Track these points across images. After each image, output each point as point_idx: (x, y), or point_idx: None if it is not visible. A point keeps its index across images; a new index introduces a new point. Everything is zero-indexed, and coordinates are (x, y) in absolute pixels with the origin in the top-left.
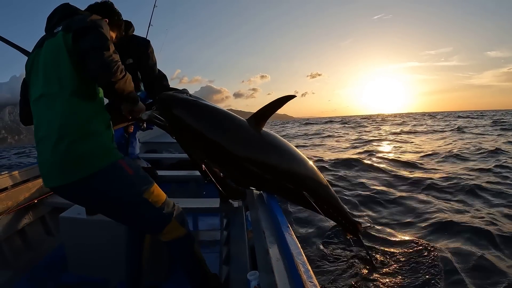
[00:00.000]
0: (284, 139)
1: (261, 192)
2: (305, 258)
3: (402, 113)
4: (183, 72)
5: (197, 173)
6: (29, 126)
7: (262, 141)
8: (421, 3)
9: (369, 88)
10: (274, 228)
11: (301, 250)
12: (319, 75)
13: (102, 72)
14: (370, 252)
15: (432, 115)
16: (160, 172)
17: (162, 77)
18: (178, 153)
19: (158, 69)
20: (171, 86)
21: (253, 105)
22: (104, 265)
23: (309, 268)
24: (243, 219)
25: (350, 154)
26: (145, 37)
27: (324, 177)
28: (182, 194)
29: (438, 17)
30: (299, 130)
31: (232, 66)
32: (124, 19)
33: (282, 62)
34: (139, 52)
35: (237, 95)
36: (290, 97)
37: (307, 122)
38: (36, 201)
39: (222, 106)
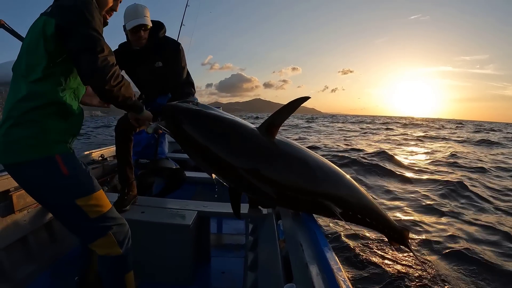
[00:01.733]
0: (301, 146)
1: None
2: (346, 275)
3: (432, 118)
4: (215, 58)
5: None
6: None
7: (275, 153)
8: (459, 7)
9: (399, 90)
10: (311, 242)
11: (341, 266)
12: (350, 71)
13: (95, 79)
14: (421, 261)
15: (463, 123)
16: (187, 173)
17: (188, 84)
18: None
19: (188, 74)
20: (202, 71)
21: (282, 97)
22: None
23: (350, 285)
24: (274, 227)
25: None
26: (177, 35)
27: (355, 182)
28: (207, 196)
29: (476, 22)
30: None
31: (265, 56)
32: (155, 19)
33: (314, 55)
34: (168, 55)
35: (267, 85)
36: (304, 100)
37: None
38: None
39: (251, 95)
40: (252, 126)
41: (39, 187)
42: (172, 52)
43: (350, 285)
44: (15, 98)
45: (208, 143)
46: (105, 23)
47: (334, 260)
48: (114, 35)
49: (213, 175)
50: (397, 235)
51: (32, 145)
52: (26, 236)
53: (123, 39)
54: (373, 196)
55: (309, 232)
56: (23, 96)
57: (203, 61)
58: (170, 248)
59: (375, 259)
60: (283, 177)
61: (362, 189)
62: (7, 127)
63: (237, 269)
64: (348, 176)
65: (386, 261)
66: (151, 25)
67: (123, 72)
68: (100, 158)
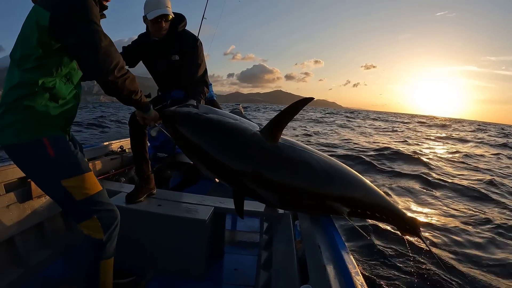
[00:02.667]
0: (305, 147)
1: None
2: (363, 279)
3: (454, 118)
4: (237, 48)
5: None
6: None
7: (277, 157)
8: (487, 6)
9: (422, 87)
10: (329, 244)
11: (359, 270)
12: (373, 67)
13: (98, 71)
14: (434, 253)
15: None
16: None
17: (201, 82)
18: None
19: (204, 72)
20: (224, 60)
21: (303, 89)
22: (142, 256)
23: None
24: (290, 228)
25: None
26: (198, 29)
27: (362, 177)
28: (222, 193)
29: (504, 22)
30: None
31: (287, 47)
32: (176, 12)
33: (337, 49)
34: (186, 49)
35: (288, 77)
36: (307, 101)
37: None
38: None
39: (273, 87)
40: (255, 129)
41: (28, 168)
42: (189, 47)
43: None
44: (9, 85)
45: (209, 148)
46: (104, 7)
47: (352, 264)
48: (133, 26)
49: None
50: (408, 225)
51: (22, 128)
52: (42, 222)
53: (138, 29)
54: (386, 192)
55: (327, 234)
56: (16, 83)
57: (226, 51)
58: (185, 242)
59: (390, 259)
60: (286, 183)
61: (370, 184)
62: (1, 113)
63: (250, 266)
64: (354, 173)
65: (401, 263)
66: (173, 16)
67: (135, 70)
68: (119, 150)
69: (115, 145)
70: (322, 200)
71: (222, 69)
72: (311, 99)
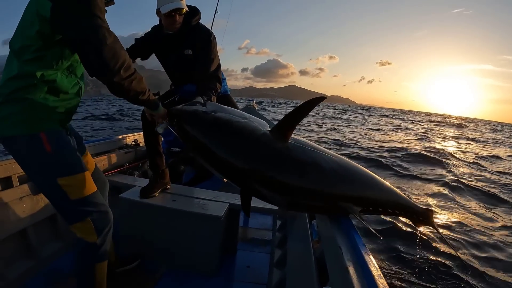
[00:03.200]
0: (316, 147)
1: None
2: (385, 283)
3: (469, 118)
4: (252, 43)
5: None
6: (95, 79)
7: (287, 158)
8: (505, 3)
9: (437, 85)
10: (350, 245)
11: (381, 273)
12: (389, 63)
13: (102, 71)
14: (450, 243)
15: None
16: None
17: (214, 78)
18: None
19: (217, 68)
20: (238, 54)
21: (317, 85)
22: (155, 250)
23: None
24: (307, 227)
25: None
26: (211, 22)
27: (373, 174)
28: (234, 189)
29: None
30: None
31: (302, 42)
32: (190, 4)
33: (352, 45)
34: (199, 44)
35: (302, 72)
36: (319, 100)
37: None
38: None
39: (287, 81)
40: (265, 128)
41: (23, 162)
42: (203, 41)
43: None
44: (7, 76)
45: (216, 149)
46: None
47: (375, 266)
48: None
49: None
50: (421, 216)
51: (18, 121)
52: (55, 214)
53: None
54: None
55: (347, 235)
56: (14, 75)
57: (240, 45)
58: (199, 238)
59: (405, 259)
60: (295, 184)
61: (381, 181)
62: None
63: (262, 264)
64: (365, 171)
65: (416, 262)
66: (187, 10)
67: (148, 62)
68: (133, 143)
69: (129, 138)
70: (332, 201)
71: (236, 64)
72: (323, 98)
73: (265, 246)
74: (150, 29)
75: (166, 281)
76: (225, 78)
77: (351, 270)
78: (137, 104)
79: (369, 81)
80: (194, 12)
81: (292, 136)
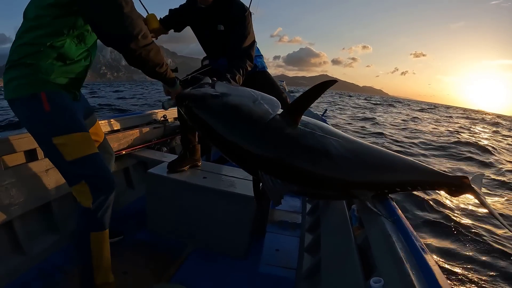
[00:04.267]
0: (329, 129)
1: None
2: (440, 271)
3: (506, 115)
4: (284, 31)
5: None
6: (128, 65)
7: (296, 143)
8: None
9: (472, 80)
10: (398, 232)
11: (435, 262)
12: (423, 55)
13: (119, 36)
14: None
15: None
16: None
17: (244, 56)
18: None
19: (250, 45)
20: (270, 42)
21: (350, 75)
22: (183, 228)
23: (448, 284)
24: (345, 213)
25: None
26: (248, 4)
27: (391, 153)
28: None
29: None
30: None
31: (335, 31)
32: None
33: (387, 35)
34: (232, 19)
35: (335, 61)
36: (331, 83)
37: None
38: (124, 152)
39: (318, 71)
40: (276, 111)
41: (25, 123)
42: (236, 17)
43: (448, 284)
44: (17, 43)
45: (225, 134)
46: None
47: (429, 255)
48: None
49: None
50: (455, 185)
51: (22, 84)
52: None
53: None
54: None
55: (395, 222)
56: (24, 42)
57: (272, 33)
58: (229, 219)
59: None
60: (305, 171)
61: (400, 159)
62: (6, 68)
63: (291, 248)
64: (380, 151)
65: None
66: None
67: (182, 49)
68: (162, 119)
69: (159, 114)
70: (343, 188)
71: (268, 51)
72: (334, 81)
73: (294, 230)
74: (185, 1)
75: (192, 261)
76: (261, 55)
77: (402, 259)
78: (154, 77)
79: (402, 73)
80: None
81: (303, 118)
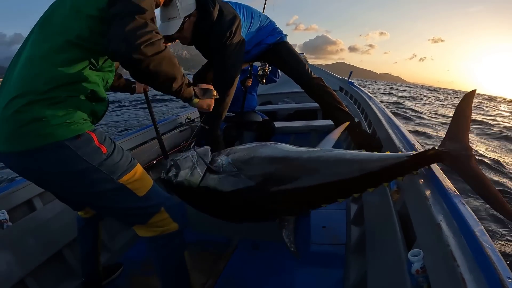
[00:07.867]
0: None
1: None
2: (489, 239)
3: None
4: (300, 19)
5: (317, 123)
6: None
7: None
8: None
9: (491, 66)
10: (438, 194)
11: (483, 228)
12: (441, 40)
13: (121, 43)
14: None
15: None
16: (277, 124)
17: (226, 86)
18: (294, 103)
19: (232, 71)
20: (287, 31)
21: (367, 62)
22: (226, 224)
23: (500, 256)
24: None
25: None
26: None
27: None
28: (302, 145)
29: None
30: None
31: (352, 18)
32: None
33: (404, 21)
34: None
35: (352, 49)
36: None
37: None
38: (155, 162)
39: (335, 58)
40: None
41: (56, 173)
42: (214, 48)
43: (501, 257)
44: (43, 67)
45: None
46: None
47: (474, 219)
48: None
49: None
50: (422, 160)
51: (61, 124)
52: None
53: None
54: None
55: (433, 182)
56: (55, 68)
57: (288, 21)
58: None
59: None
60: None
61: (358, 156)
62: (25, 104)
63: (339, 222)
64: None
65: None
66: (176, 32)
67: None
68: (187, 120)
69: (183, 117)
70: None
71: None
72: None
73: (339, 203)
74: None
75: (239, 253)
76: (273, 21)
77: (444, 226)
78: (168, 94)
79: (420, 59)
80: (204, 15)
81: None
